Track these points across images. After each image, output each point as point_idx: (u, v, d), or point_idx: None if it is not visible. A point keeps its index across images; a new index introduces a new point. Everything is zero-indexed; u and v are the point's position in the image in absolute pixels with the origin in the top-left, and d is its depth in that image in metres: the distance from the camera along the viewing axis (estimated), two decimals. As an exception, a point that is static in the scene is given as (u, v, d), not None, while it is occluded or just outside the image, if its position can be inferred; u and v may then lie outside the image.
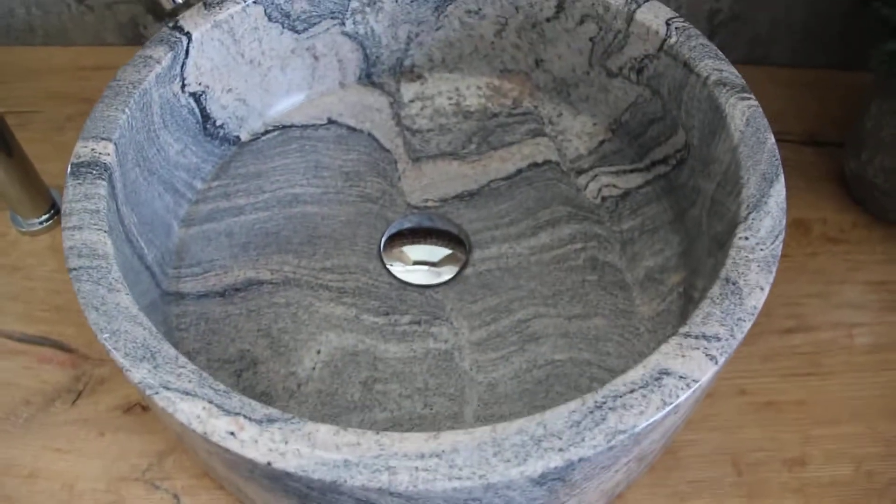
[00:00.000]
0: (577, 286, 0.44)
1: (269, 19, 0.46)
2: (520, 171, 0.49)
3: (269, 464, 0.29)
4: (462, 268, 0.45)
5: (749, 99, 0.40)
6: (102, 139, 0.39)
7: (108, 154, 0.38)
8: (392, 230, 0.47)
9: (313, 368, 0.41)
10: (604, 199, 0.47)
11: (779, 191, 0.37)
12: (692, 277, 0.43)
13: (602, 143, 0.49)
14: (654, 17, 0.43)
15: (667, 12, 0.44)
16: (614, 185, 0.48)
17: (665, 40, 0.43)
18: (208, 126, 0.47)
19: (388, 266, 0.45)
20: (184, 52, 0.43)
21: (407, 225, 0.47)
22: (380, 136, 0.50)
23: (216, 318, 0.43)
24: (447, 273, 0.45)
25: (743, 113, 0.39)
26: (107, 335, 0.32)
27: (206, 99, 0.46)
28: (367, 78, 0.52)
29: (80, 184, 0.37)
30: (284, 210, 0.47)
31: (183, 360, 0.32)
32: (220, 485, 0.40)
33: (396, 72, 0.52)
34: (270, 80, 0.49)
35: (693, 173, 0.43)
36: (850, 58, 0.56)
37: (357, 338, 0.42)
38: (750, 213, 0.36)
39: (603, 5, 0.45)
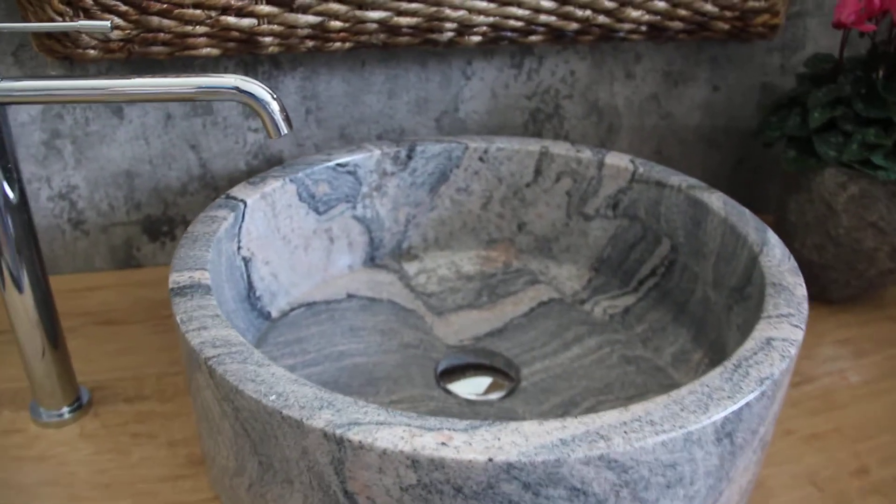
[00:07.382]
0: (622, 377, 0.48)
1: (300, 198, 0.52)
2: (532, 309, 0.55)
3: (490, 460, 0.29)
4: (516, 384, 0.48)
5: (717, 192, 0.51)
6: (197, 269, 0.41)
7: (207, 280, 0.40)
8: (442, 366, 0.49)
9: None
10: (611, 316, 0.54)
11: (772, 235, 0.46)
12: (711, 352, 0.49)
13: (590, 280, 0.57)
14: (619, 159, 0.55)
15: (626, 155, 0.55)
16: (615, 306, 0.55)
17: (634, 171, 0.54)
18: (251, 295, 0.49)
19: (451, 392, 0.47)
20: (241, 215, 0.47)
21: (454, 362, 0.50)
22: (399, 300, 0.55)
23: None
24: (504, 391, 0.48)
25: (718, 198, 0.50)
26: (273, 397, 0.32)
27: (251, 266, 0.49)
28: (372, 261, 0.58)
29: (189, 299, 0.38)
30: (335, 364, 0.49)
31: (362, 402, 0.32)
32: None
33: (396, 254, 0.59)
34: (295, 259, 0.53)
35: (685, 268, 0.52)
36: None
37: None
38: (762, 248, 0.45)
39: (575, 160, 0.56)
